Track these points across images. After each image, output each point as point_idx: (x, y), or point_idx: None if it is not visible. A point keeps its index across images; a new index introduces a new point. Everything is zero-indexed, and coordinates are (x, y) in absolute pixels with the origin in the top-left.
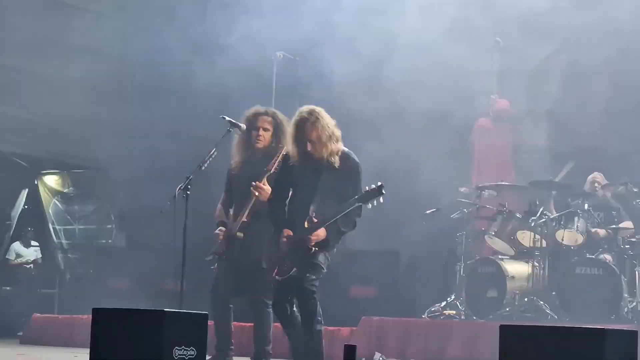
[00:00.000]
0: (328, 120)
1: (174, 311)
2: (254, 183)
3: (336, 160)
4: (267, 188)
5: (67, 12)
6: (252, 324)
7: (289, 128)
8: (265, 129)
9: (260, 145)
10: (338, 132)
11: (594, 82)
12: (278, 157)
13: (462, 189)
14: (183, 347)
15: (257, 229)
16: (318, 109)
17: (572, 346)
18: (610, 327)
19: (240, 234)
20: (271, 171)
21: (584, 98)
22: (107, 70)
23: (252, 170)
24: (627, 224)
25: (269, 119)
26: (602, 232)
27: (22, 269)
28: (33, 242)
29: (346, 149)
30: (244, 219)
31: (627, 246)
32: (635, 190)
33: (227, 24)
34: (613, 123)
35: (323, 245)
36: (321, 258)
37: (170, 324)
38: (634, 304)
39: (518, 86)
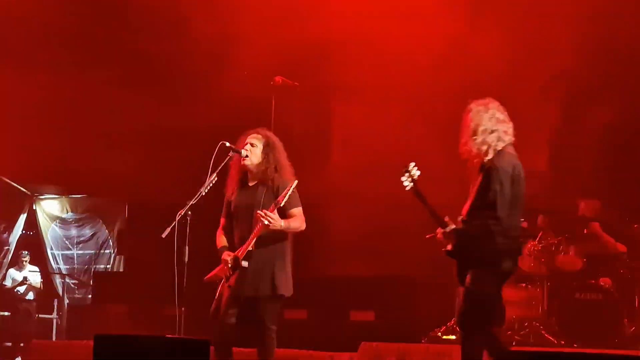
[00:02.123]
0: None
1: (176, 337)
2: (264, 212)
3: None
4: (277, 217)
5: None
6: (255, 349)
7: (279, 146)
8: (252, 145)
9: (247, 161)
10: None
11: (593, 108)
12: (288, 190)
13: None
14: None
15: (262, 256)
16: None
17: None
18: (615, 352)
19: (245, 263)
20: (281, 204)
21: (583, 124)
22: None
23: (249, 196)
24: (621, 247)
25: (258, 135)
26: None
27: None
28: (31, 267)
29: None
30: (250, 247)
31: (627, 271)
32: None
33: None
34: (612, 149)
35: None
36: None
37: (172, 351)
38: (634, 329)
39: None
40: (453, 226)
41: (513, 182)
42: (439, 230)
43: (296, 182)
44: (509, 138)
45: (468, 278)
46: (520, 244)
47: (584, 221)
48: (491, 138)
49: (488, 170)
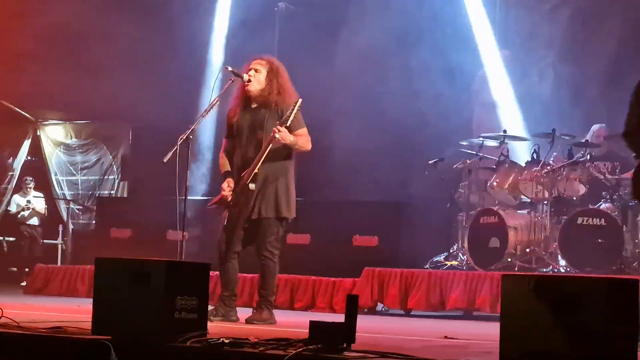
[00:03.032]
0: None
1: (176, 261)
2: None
3: None
4: (287, 132)
5: None
6: (257, 275)
7: (284, 72)
8: (256, 70)
9: (251, 86)
10: None
11: (599, 32)
12: (294, 108)
13: (464, 142)
14: (185, 296)
15: (266, 179)
16: None
17: (574, 296)
18: (615, 277)
19: (252, 185)
20: (288, 122)
21: (588, 48)
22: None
23: (252, 118)
24: (631, 174)
25: (262, 61)
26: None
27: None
28: (36, 193)
29: None
30: (256, 170)
31: (629, 196)
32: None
33: None
34: (618, 73)
35: None
36: None
37: (172, 274)
38: (635, 254)
39: (522, 36)
40: None
41: None
42: None
43: (301, 100)
44: None
45: None
46: None
47: (589, 146)
48: None
49: None
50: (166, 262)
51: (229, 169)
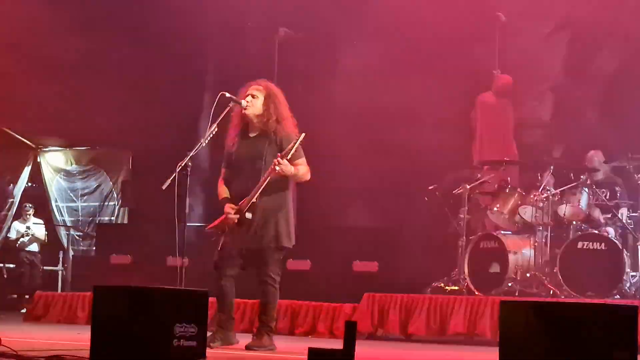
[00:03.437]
0: None
1: (174, 288)
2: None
3: None
4: (288, 163)
5: None
6: (258, 300)
7: (281, 97)
8: (253, 96)
9: (248, 111)
10: None
11: (596, 58)
12: (296, 143)
13: (464, 168)
14: (184, 324)
15: (265, 208)
16: None
17: (573, 321)
18: (611, 303)
19: (249, 215)
20: (288, 157)
21: (586, 74)
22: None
23: (250, 147)
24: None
25: (260, 87)
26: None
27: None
28: (36, 219)
29: None
30: (254, 199)
31: (629, 221)
32: (635, 165)
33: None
34: (616, 98)
35: None
36: None
37: (170, 301)
38: (637, 278)
39: (521, 62)
40: None
41: None
42: None
43: (303, 135)
44: None
45: None
46: None
47: (588, 171)
48: None
49: None
50: (164, 289)
51: (228, 196)
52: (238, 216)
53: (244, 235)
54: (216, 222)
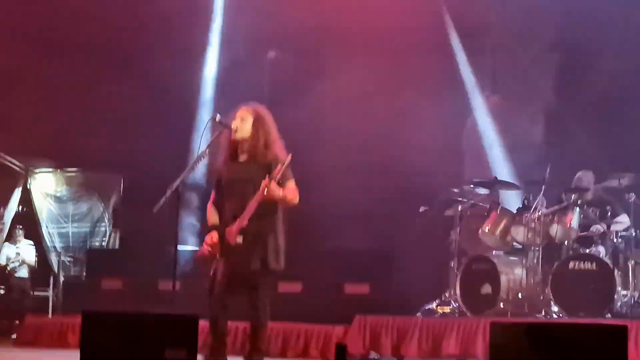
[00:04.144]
0: None
1: (164, 314)
2: (266, 180)
3: None
4: (277, 186)
5: None
6: (248, 323)
7: (270, 120)
8: (242, 119)
9: (238, 135)
10: None
11: (587, 78)
12: (283, 165)
13: (455, 189)
14: (174, 349)
15: (254, 231)
16: None
17: (564, 342)
18: (602, 323)
19: (239, 238)
20: (276, 177)
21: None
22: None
23: (240, 171)
24: (623, 218)
25: (248, 110)
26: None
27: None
28: (26, 241)
29: None
30: (244, 224)
31: (619, 240)
32: (626, 184)
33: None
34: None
35: None
36: None
37: (160, 327)
38: (628, 297)
39: (512, 81)
40: None
41: None
42: None
43: (290, 157)
44: None
45: None
46: None
47: (579, 191)
48: None
49: None
50: (154, 314)
51: (217, 222)
52: (214, 249)
53: (234, 260)
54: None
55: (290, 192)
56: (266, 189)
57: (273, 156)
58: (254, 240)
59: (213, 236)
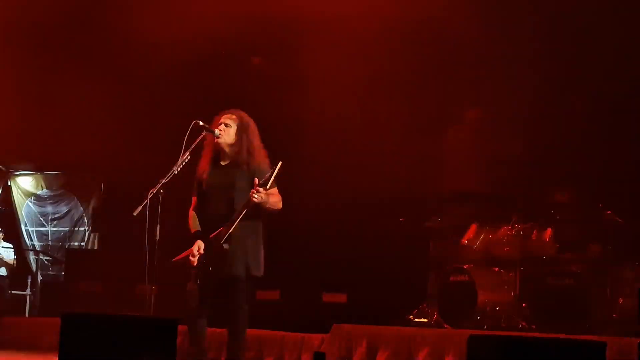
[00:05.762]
0: None
1: (143, 317)
2: (256, 188)
3: None
4: (264, 192)
5: None
6: (225, 329)
7: (254, 128)
8: (226, 125)
9: (221, 140)
10: None
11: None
12: (274, 171)
13: (435, 201)
14: (152, 353)
15: (236, 237)
16: None
17: (542, 356)
18: (580, 338)
19: (226, 245)
20: (267, 185)
21: (559, 108)
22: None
23: (222, 176)
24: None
25: (233, 116)
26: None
27: None
28: (5, 244)
29: None
30: (231, 231)
31: (597, 257)
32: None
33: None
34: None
35: None
36: None
37: (139, 330)
38: (605, 313)
39: (494, 94)
40: None
41: None
42: None
43: (280, 164)
44: None
45: None
46: None
47: (558, 207)
48: None
49: None
50: (132, 317)
51: (199, 227)
52: (198, 259)
53: (216, 266)
54: (184, 253)
55: (274, 197)
56: (256, 194)
57: (256, 163)
58: (238, 246)
59: (200, 246)
